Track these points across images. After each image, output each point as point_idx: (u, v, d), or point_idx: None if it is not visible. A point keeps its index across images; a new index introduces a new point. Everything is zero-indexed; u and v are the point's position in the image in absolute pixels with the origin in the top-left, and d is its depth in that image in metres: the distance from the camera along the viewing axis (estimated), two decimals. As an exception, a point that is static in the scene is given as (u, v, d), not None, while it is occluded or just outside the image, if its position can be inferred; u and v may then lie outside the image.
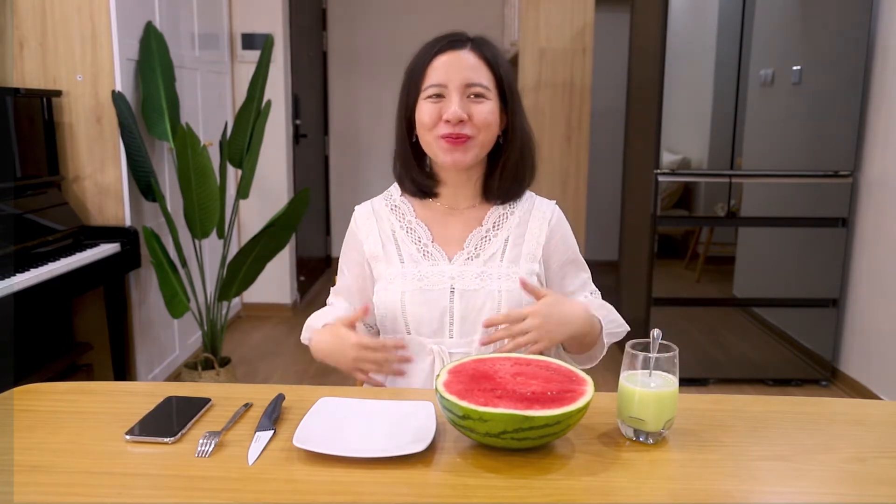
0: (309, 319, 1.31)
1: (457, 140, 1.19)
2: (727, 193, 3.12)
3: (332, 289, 1.38)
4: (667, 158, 3.09)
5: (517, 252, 1.27)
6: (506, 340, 1.14)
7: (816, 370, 3.21)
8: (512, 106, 1.25)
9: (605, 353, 1.27)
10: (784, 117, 3.03)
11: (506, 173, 1.27)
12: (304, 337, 1.30)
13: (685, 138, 3.11)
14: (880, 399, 2.91)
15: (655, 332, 0.99)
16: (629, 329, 1.31)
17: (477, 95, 1.20)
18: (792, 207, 3.11)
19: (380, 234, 1.30)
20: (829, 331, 3.20)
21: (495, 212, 1.30)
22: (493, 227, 1.29)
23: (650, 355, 0.97)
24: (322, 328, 1.23)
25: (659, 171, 3.09)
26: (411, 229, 1.29)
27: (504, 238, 1.28)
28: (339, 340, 1.15)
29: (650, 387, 0.96)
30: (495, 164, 1.28)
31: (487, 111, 1.20)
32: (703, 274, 3.22)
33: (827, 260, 3.14)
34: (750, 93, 3.02)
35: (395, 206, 1.32)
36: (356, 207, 1.35)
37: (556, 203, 1.35)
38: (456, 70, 1.19)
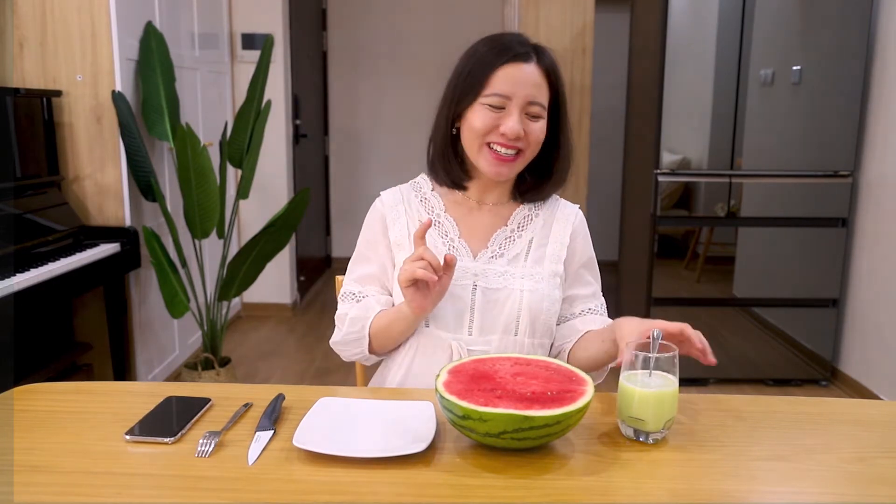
0: (351, 315, 1.25)
1: (507, 158, 1.21)
2: (727, 193, 3.12)
3: (351, 278, 1.32)
4: (667, 158, 3.09)
5: (541, 253, 1.28)
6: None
7: (816, 370, 3.21)
8: (563, 120, 1.27)
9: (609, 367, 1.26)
10: (784, 117, 3.04)
11: (551, 181, 1.30)
12: (350, 332, 1.25)
13: (685, 138, 3.11)
14: (880, 399, 2.92)
15: (655, 332, 0.99)
16: None
17: (534, 115, 1.21)
18: (792, 207, 3.11)
19: (407, 222, 1.29)
20: (829, 331, 3.20)
21: (520, 212, 1.31)
22: (518, 227, 1.30)
23: (650, 355, 0.97)
24: (386, 311, 1.24)
25: (659, 171, 3.09)
26: (439, 223, 1.29)
27: (528, 239, 1.29)
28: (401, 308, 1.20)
29: (650, 387, 0.96)
30: (530, 166, 1.29)
31: (540, 129, 1.22)
32: (703, 274, 3.22)
33: (827, 260, 3.15)
34: (750, 93, 3.02)
35: (425, 197, 1.32)
36: (382, 193, 1.34)
37: (580, 207, 1.38)
38: (521, 85, 1.19)
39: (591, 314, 1.31)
